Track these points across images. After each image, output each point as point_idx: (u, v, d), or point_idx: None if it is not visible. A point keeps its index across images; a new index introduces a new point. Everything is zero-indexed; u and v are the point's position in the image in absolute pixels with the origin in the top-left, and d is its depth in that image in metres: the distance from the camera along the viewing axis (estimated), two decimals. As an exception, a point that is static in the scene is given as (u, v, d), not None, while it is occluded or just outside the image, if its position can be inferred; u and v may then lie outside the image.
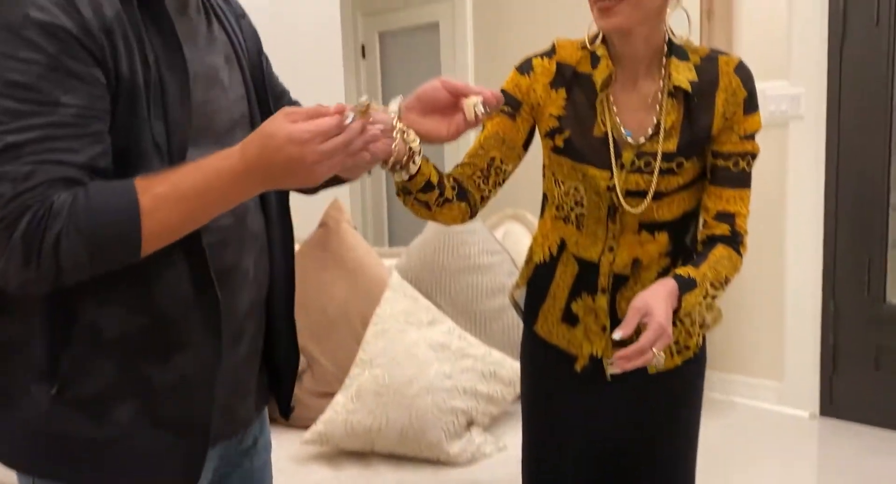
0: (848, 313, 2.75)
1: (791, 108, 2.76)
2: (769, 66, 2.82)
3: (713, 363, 3.03)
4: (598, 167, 1.24)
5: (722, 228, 1.26)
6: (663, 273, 1.27)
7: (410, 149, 1.13)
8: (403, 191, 1.20)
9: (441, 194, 1.21)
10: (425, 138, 1.14)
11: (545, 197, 1.36)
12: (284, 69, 2.59)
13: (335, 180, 1.21)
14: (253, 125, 1.07)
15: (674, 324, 1.26)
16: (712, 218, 1.27)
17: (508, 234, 2.31)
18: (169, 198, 0.89)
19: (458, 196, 1.25)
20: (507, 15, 3.51)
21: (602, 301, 1.29)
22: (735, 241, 1.26)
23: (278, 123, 0.89)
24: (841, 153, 2.72)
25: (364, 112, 0.95)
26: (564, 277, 1.32)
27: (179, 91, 0.96)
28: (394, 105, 1.13)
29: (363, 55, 4.13)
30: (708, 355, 1.40)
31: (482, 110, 1.09)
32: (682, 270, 1.21)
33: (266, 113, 1.11)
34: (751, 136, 1.25)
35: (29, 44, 0.84)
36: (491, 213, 2.45)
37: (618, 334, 1.13)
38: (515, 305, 1.45)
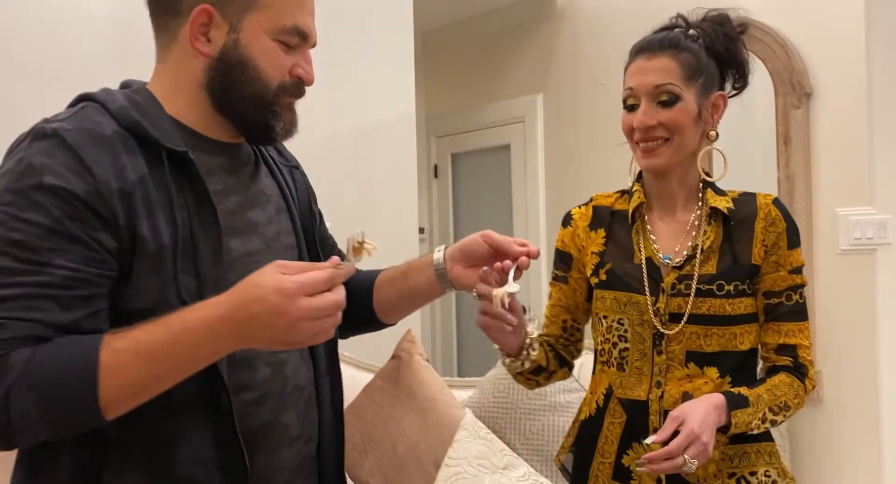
0: (955, 456, 2.54)
1: (878, 235, 2.67)
2: (851, 191, 2.75)
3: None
4: (640, 293, 1.27)
5: (784, 360, 1.25)
6: None
7: (529, 341, 1.27)
8: (517, 374, 1.35)
9: (547, 370, 1.36)
10: (465, 288, 1.19)
11: (595, 351, 1.39)
12: (364, 188, 2.67)
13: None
14: None
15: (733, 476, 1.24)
16: (773, 351, 1.26)
17: (585, 366, 2.25)
18: (129, 353, 0.86)
19: (560, 364, 1.39)
20: (577, 137, 3.57)
21: (655, 446, 1.23)
22: (800, 371, 1.25)
23: (267, 273, 0.86)
24: (935, 282, 2.60)
25: (357, 249, 0.95)
26: (613, 427, 1.29)
27: (211, 246, 0.97)
28: (438, 254, 1.19)
29: (435, 175, 4.23)
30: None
31: (508, 301, 1.11)
32: (734, 389, 1.21)
33: (315, 260, 1.12)
34: (798, 270, 1.27)
35: (36, 206, 0.88)
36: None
37: (650, 439, 1.13)
38: (563, 470, 1.43)
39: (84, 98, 1.01)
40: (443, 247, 1.19)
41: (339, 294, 0.87)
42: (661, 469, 1.11)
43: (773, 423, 1.21)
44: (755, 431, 1.20)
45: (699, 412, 1.13)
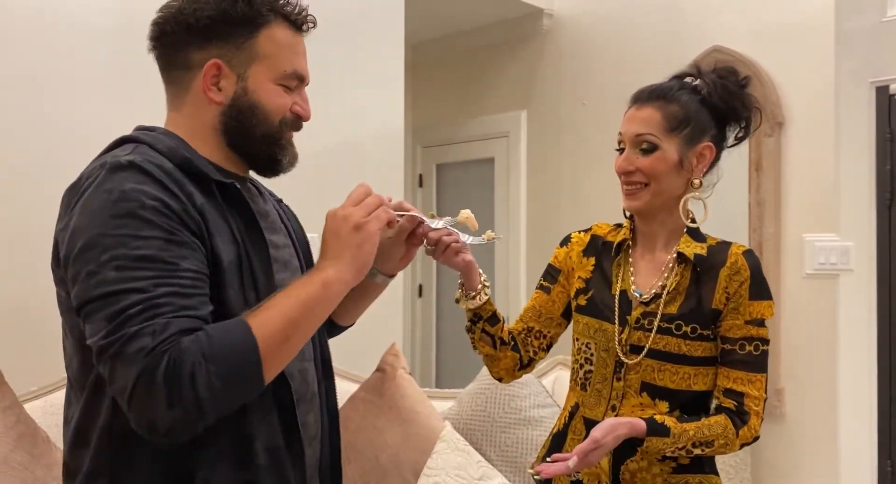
0: (905, 473, 2.68)
1: (840, 261, 2.79)
2: (818, 218, 2.87)
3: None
4: (609, 322, 1.36)
5: (728, 403, 1.31)
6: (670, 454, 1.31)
7: (481, 275, 1.35)
8: (474, 318, 1.38)
9: (503, 331, 1.40)
10: (396, 270, 1.29)
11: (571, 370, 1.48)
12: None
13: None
14: None
15: None
16: (721, 393, 1.32)
17: (559, 381, 2.35)
18: (268, 309, 1.02)
19: (514, 348, 1.43)
20: (559, 153, 3.67)
21: (604, 462, 1.34)
22: (741, 417, 1.30)
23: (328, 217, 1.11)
24: (893, 306, 2.73)
25: (433, 216, 1.25)
26: (573, 443, 1.38)
27: (263, 264, 1.11)
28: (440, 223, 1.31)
29: (420, 184, 4.32)
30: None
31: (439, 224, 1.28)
32: (659, 417, 1.28)
33: None
34: (758, 322, 1.31)
35: (148, 223, 0.99)
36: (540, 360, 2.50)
37: (571, 461, 1.22)
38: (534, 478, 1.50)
39: (127, 140, 1.11)
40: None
41: (378, 197, 1.12)
42: (551, 471, 1.22)
43: (691, 453, 1.28)
44: (672, 455, 1.29)
45: (608, 423, 1.24)
